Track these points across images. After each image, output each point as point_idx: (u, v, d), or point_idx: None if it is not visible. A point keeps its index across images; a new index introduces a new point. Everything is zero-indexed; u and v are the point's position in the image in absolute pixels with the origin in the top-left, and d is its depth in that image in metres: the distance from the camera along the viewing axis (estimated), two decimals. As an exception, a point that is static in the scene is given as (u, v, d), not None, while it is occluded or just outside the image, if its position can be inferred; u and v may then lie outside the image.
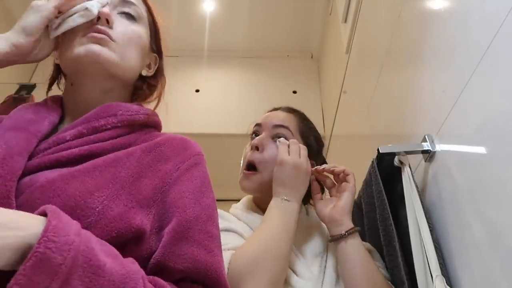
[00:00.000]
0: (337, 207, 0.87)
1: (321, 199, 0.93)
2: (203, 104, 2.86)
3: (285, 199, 0.85)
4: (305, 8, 2.91)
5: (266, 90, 2.96)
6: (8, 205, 0.48)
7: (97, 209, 0.51)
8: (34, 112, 0.63)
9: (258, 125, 1.02)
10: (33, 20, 0.61)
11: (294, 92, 3.03)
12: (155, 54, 0.77)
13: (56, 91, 0.73)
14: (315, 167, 0.94)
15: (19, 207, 0.49)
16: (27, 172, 0.53)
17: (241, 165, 0.99)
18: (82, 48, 0.62)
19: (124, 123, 0.63)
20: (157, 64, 0.78)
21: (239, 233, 0.85)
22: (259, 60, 3.16)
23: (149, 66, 0.76)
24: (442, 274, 0.71)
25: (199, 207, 0.59)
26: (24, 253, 0.39)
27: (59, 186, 0.51)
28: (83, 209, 0.50)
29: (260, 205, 0.97)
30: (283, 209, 0.83)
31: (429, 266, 0.73)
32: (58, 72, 0.74)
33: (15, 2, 2.80)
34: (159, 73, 0.78)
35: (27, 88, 2.36)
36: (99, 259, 0.43)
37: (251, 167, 0.95)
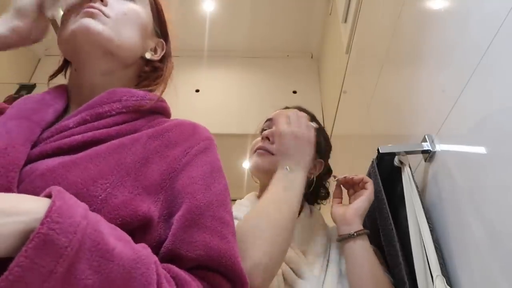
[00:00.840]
0: (350, 208, 0.87)
1: (340, 203, 0.93)
2: (203, 104, 2.86)
3: (287, 169, 0.82)
4: (305, 8, 2.91)
5: (266, 90, 2.97)
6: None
7: (100, 197, 0.49)
8: (38, 101, 0.61)
9: (269, 120, 1.02)
10: (27, 1, 0.61)
11: (294, 92, 3.03)
12: (161, 40, 0.75)
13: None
14: (337, 178, 0.94)
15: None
16: (28, 161, 0.51)
17: (250, 151, 0.98)
18: (76, 24, 0.61)
19: (129, 109, 0.61)
20: (164, 50, 0.75)
21: None
22: (259, 60, 3.16)
23: (154, 51, 0.74)
24: (442, 274, 0.71)
25: (210, 193, 0.57)
26: (27, 239, 0.36)
27: (60, 174, 0.49)
28: (85, 197, 0.47)
29: None
30: (285, 179, 0.81)
31: (429, 266, 0.73)
32: (65, 63, 0.73)
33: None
34: (165, 58, 0.76)
35: (27, 88, 2.36)
36: (108, 243, 0.41)
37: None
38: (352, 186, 0.93)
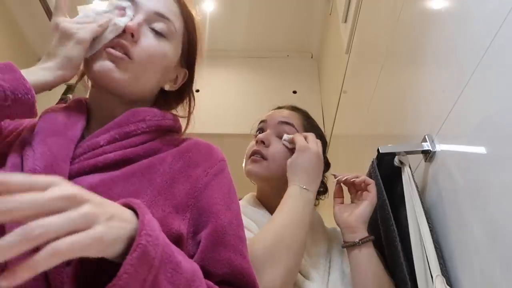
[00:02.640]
0: (354, 214, 0.85)
1: (342, 203, 0.92)
2: (203, 104, 2.85)
3: (304, 188, 0.82)
4: (305, 8, 2.90)
5: (266, 90, 2.96)
6: None
7: None
8: (66, 116, 0.63)
9: (263, 121, 1.02)
10: (77, 54, 0.62)
11: (294, 92, 3.03)
12: (184, 70, 0.76)
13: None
14: (337, 178, 0.93)
15: None
16: (69, 177, 0.55)
17: (246, 156, 0.98)
18: (98, 64, 0.63)
19: (152, 128, 0.65)
20: (185, 79, 0.77)
21: (248, 228, 0.85)
22: (259, 60, 3.16)
23: (174, 81, 0.75)
24: (442, 274, 0.71)
25: (229, 213, 0.62)
26: (128, 245, 0.40)
27: (103, 191, 0.52)
28: None
29: (263, 201, 0.96)
30: (301, 198, 0.81)
31: (429, 266, 0.73)
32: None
33: (15, 2, 2.79)
34: (186, 89, 0.78)
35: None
36: (177, 257, 0.45)
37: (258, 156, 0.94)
38: (353, 186, 0.93)
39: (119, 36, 0.64)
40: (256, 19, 2.98)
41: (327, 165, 1.02)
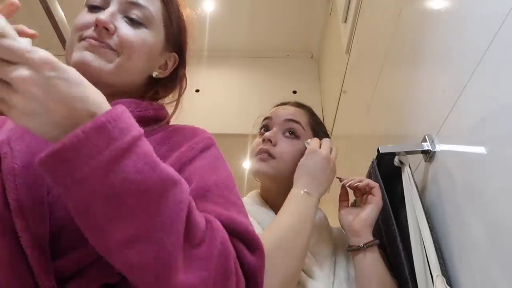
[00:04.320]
0: (359, 218, 0.84)
1: (347, 206, 0.91)
2: (203, 104, 2.85)
3: (305, 191, 0.80)
4: (305, 8, 2.90)
5: (266, 90, 2.96)
6: (42, 212, 0.49)
7: None
8: None
9: (268, 118, 0.99)
10: None
11: (294, 92, 3.03)
12: (173, 54, 0.74)
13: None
14: (342, 182, 0.91)
15: (51, 205, 0.50)
16: None
17: (251, 154, 0.96)
18: (77, 54, 0.62)
19: (135, 119, 0.63)
20: (176, 64, 0.75)
21: None
22: (259, 60, 3.16)
23: (165, 66, 0.74)
24: (442, 274, 0.71)
25: (215, 176, 0.59)
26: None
27: None
28: None
29: (268, 200, 0.95)
30: (303, 202, 0.79)
31: (429, 266, 0.73)
32: None
33: (15, 2, 2.79)
34: (178, 74, 0.76)
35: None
36: (155, 158, 0.43)
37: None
38: (358, 190, 0.91)
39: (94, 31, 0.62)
40: (256, 19, 2.98)
41: None
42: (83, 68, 0.60)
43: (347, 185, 0.90)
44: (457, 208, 0.76)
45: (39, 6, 2.46)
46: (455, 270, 0.73)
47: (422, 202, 0.81)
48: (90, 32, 0.63)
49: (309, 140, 0.92)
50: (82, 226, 0.42)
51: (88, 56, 0.61)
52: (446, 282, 0.70)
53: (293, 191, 0.81)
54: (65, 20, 1.82)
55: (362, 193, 0.90)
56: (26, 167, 0.51)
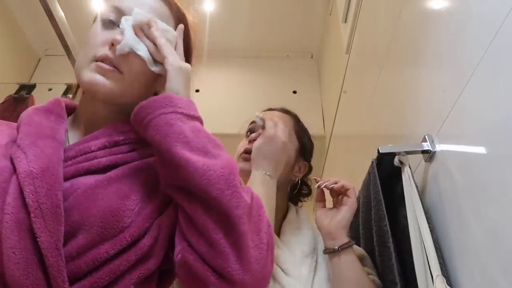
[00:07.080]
0: (334, 221, 0.86)
1: (324, 207, 0.92)
2: (203, 104, 2.84)
3: (268, 174, 0.83)
4: (305, 8, 2.91)
5: (266, 90, 2.97)
6: (59, 214, 0.52)
7: (133, 210, 0.57)
8: (49, 118, 0.65)
9: (254, 122, 1.02)
10: None
11: (294, 92, 3.03)
12: None
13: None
14: (318, 184, 0.93)
15: (66, 211, 0.53)
16: (65, 178, 0.57)
17: (236, 155, 0.99)
18: (88, 75, 0.63)
19: (139, 140, 0.66)
20: None
21: None
22: (259, 60, 3.16)
23: None
24: (442, 274, 0.71)
25: None
26: None
27: (100, 191, 0.56)
28: (123, 210, 0.56)
29: None
30: (266, 184, 0.82)
31: (429, 266, 0.73)
32: None
33: (15, 2, 2.80)
34: None
35: (27, 88, 2.36)
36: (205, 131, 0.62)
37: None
38: (334, 191, 0.93)
39: (109, 49, 0.64)
40: (256, 19, 2.98)
41: (310, 170, 1.04)
42: (94, 89, 0.63)
43: (322, 186, 0.91)
44: (457, 208, 0.76)
45: (39, 6, 2.46)
46: (455, 270, 0.73)
47: (422, 202, 0.81)
48: (105, 51, 0.64)
49: (260, 115, 0.94)
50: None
51: (99, 80, 0.63)
52: (446, 282, 0.70)
53: (255, 173, 0.84)
54: (65, 20, 1.82)
55: (337, 194, 0.91)
56: (43, 171, 0.54)
